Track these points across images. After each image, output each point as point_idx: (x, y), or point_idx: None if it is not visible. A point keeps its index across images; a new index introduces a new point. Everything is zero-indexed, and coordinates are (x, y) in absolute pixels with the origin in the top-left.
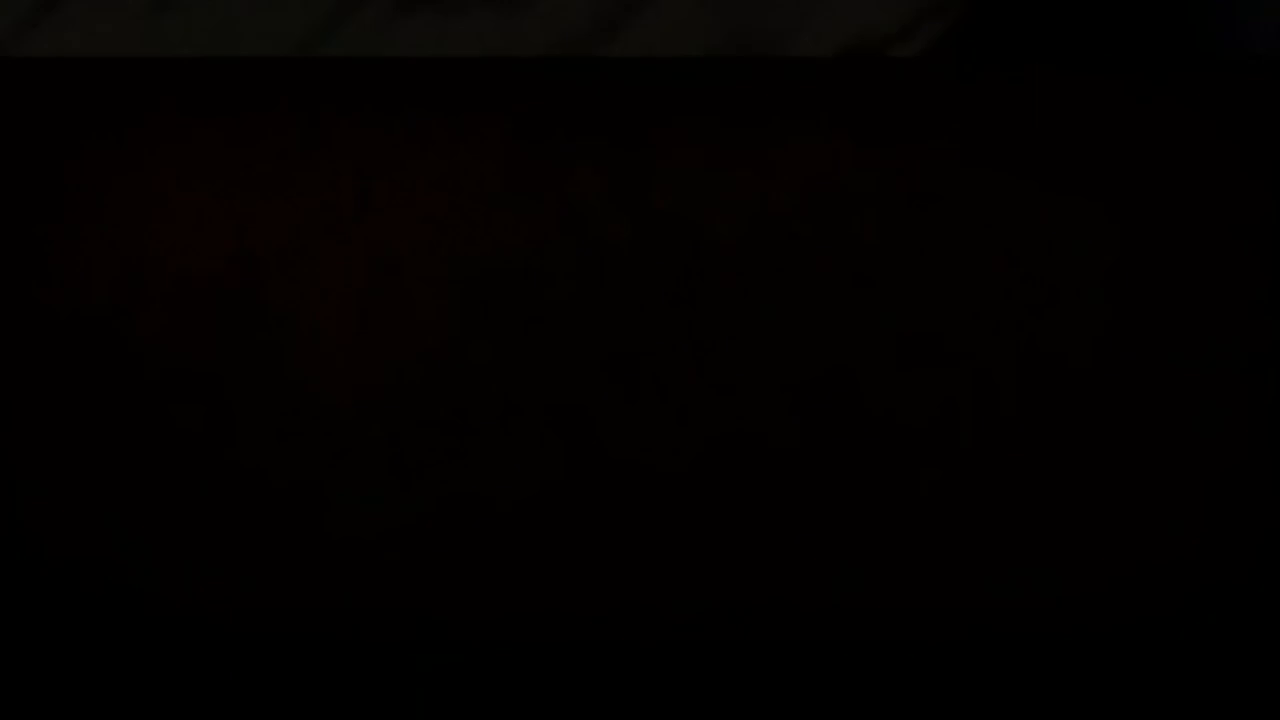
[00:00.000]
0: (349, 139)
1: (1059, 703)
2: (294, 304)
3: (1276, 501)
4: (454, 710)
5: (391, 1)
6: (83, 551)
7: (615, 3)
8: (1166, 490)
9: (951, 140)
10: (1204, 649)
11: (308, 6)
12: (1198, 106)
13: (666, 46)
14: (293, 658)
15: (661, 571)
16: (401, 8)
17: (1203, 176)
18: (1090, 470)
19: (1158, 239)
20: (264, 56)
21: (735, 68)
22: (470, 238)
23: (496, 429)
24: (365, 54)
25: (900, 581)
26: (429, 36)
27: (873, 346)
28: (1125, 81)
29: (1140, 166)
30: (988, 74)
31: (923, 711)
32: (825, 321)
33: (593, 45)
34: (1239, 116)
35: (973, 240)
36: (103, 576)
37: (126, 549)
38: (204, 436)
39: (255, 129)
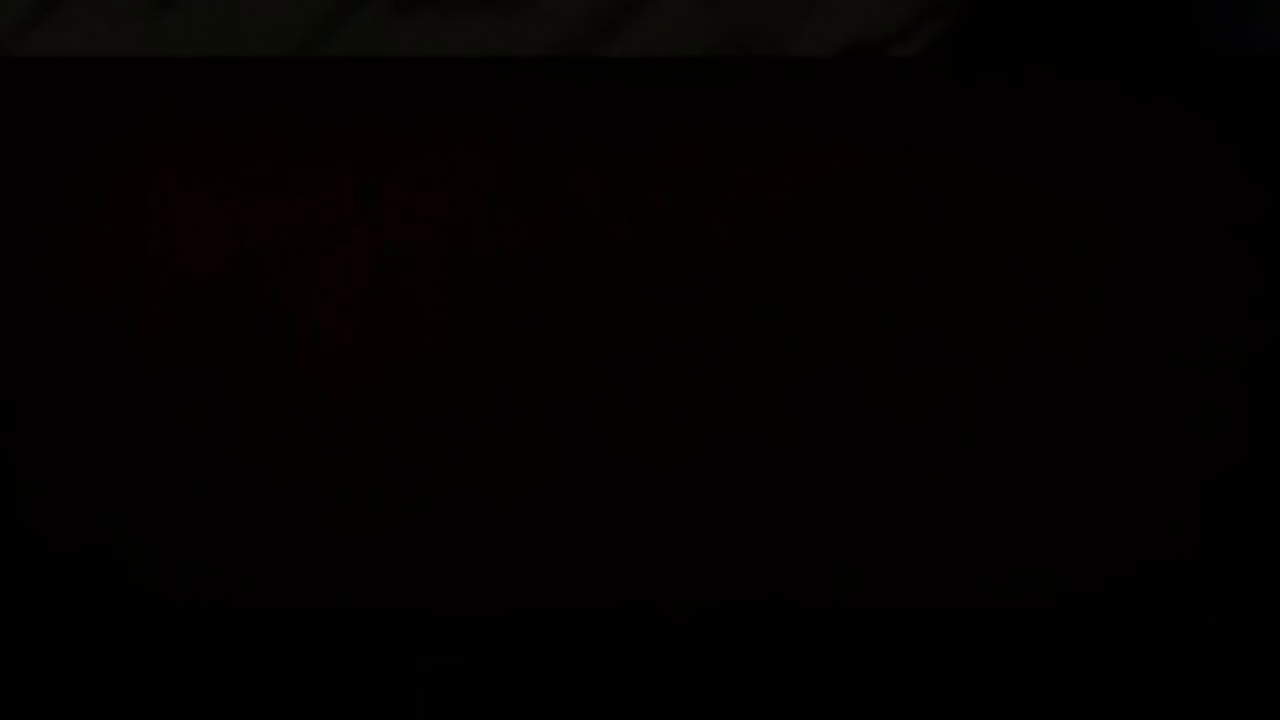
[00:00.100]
0: (349, 139)
1: (1059, 703)
2: (294, 304)
3: (1276, 501)
4: (454, 710)
5: (391, 1)
6: (83, 551)
7: (615, 3)
8: (1166, 490)
9: (951, 140)
10: (1204, 649)
11: (307, 6)
12: (1198, 106)
13: (666, 46)
14: (293, 658)
15: (661, 571)
16: (401, 8)
17: (1203, 176)
18: (1090, 470)
19: (1158, 239)
20: (264, 56)
21: (735, 68)
22: (470, 238)
23: (496, 429)
24: (365, 54)
25: (900, 581)
26: (429, 36)
27: (873, 346)
28: (1125, 81)
29: (1140, 166)
30: (988, 74)
31: (923, 711)
32: (825, 321)
33: (593, 45)
34: (1239, 116)
35: (973, 240)
36: (103, 576)
37: (126, 549)
38: (204, 436)
39: (255, 129)
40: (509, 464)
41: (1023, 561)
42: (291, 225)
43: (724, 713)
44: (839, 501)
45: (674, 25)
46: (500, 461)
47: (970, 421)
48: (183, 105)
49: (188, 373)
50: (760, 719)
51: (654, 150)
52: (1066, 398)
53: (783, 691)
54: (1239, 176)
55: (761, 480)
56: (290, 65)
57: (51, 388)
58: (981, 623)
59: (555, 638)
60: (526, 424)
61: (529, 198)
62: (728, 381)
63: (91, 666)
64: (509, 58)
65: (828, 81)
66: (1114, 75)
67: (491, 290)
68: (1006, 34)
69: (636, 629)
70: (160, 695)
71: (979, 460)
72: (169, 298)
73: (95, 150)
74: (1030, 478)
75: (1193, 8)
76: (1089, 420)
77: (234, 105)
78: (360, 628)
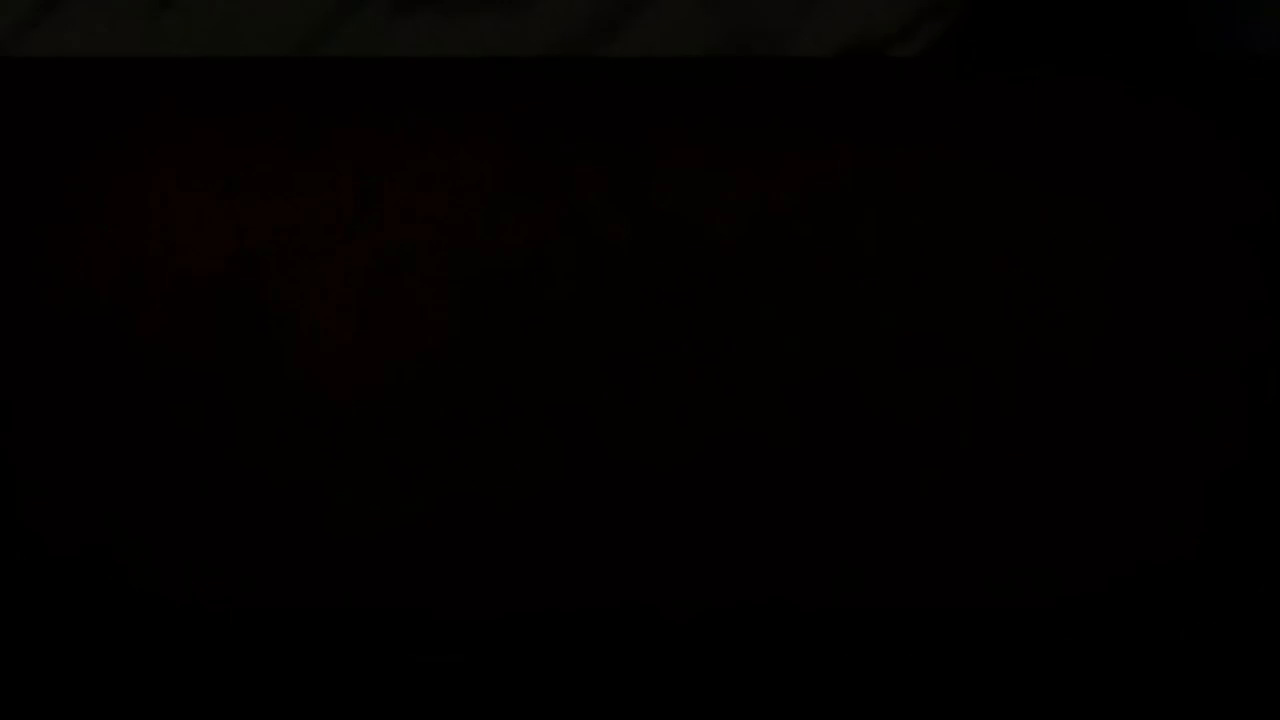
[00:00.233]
0: (349, 139)
1: (1059, 703)
2: (294, 304)
3: (1277, 501)
4: (454, 710)
5: (391, 1)
6: (82, 551)
7: (615, 3)
8: (1166, 490)
9: (951, 140)
10: (1204, 649)
11: (307, 6)
12: (1198, 106)
13: (666, 46)
14: (292, 658)
15: (661, 571)
16: (401, 8)
17: (1203, 176)
18: (1090, 470)
19: (1158, 239)
20: (264, 56)
21: (735, 67)
22: (470, 238)
23: (496, 429)
24: (365, 54)
25: (900, 581)
26: (429, 36)
27: (873, 346)
28: (1125, 81)
29: (1140, 166)
30: (988, 74)
31: (923, 711)
32: (825, 321)
33: (593, 45)
34: (1239, 116)
35: (972, 240)
36: (102, 576)
37: (126, 549)
38: (203, 436)
39: (255, 129)
40: (509, 464)
41: (1023, 561)
42: (291, 225)
43: (724, 713)
44: (839, 502)
45: (674, 25)
46: (500, 461)
47: (970, 421)
48: (183, 105)
49: (187, 372)
50: (760, 719)
51: (654, 150)
52: (1067, 398)
53: (783, 692)
54: (1239, 176)
55: (761, 480)
56: (290, 65)
57: (51, 387)
58: (981, 623)
59: (555, 638)
60: (526, 424)
61: (529, 198)
62: (728, 381)
63: (91, 666)
64: (509, 57)
65: (828, 81)
66: (1114, 75)
67: (491, 290)
68: (1006, 34)
69: (636, 629)
70: (160, 695)
71: (979, 460)
72: (169, 297)
73: (95, 150)
74: (1030, 478)
75: (1193, 7)
76: (1089, 420)
77: (234, 105)
78: (360, 627)
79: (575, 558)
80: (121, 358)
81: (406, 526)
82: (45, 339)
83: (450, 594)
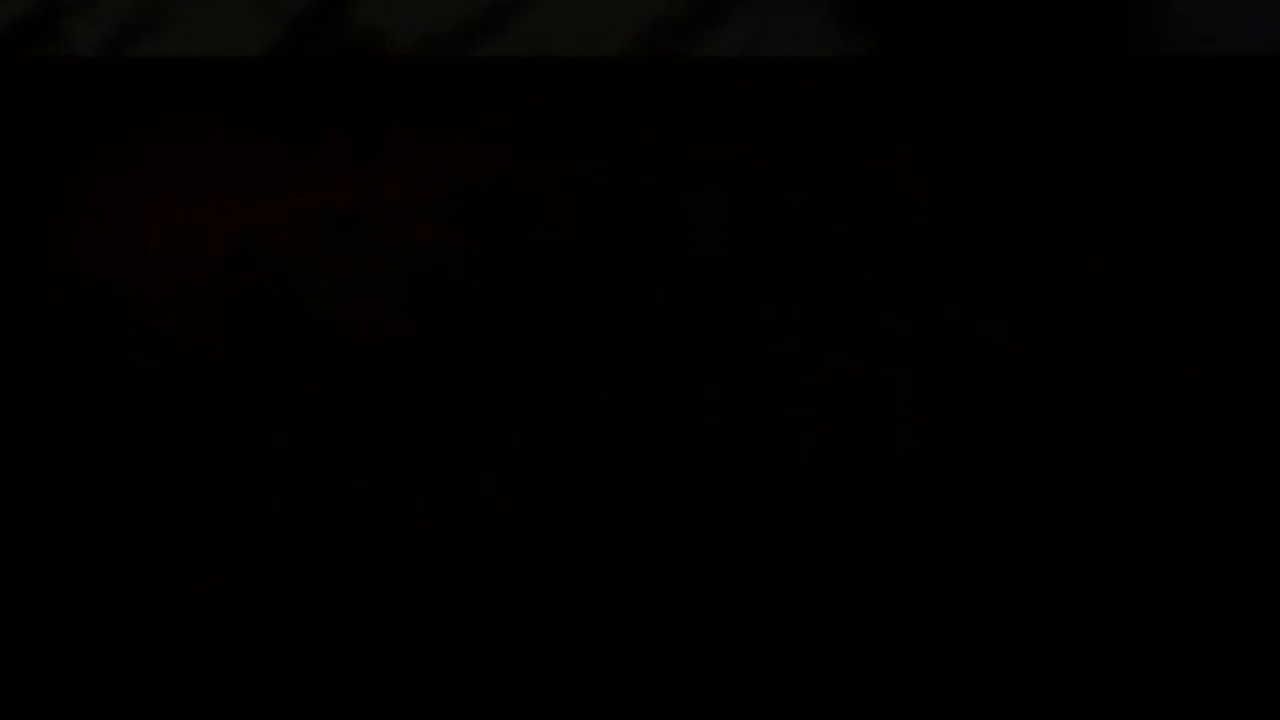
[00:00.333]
0: (348, 139)
1: (1059, 703)
2: (294, 304)
3: (1277, 501)
4: (452, 710)
5: None
6: (80, 552)
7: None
8: (1166, 490)
9: (950, 141)
10: (1204, 649)
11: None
12: (1198, 106)
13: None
14: (291, 658)
15: (660, 572)
16: None
17: (1202, 176)
18: (1090, 470)
19: (1157, 239)
20: (264, 56)
21: (733, 68)
22: (470, 238)
23: (496, 429)
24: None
25: (900, 582)
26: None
27: (872, 346)
28: (1125, 82)
29: (1139, 166)
30: (986, 74)
31: (923, 711)
32: (823, 322)
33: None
34: (1239, 116)
35: (971, 240)
36: (100, 576)
37: (124, 549)
38: (202, 436)
39: (255, 129)
40: (507, 464)
41: (1022, 561)
42: (291, 225)
43: (723, 713)
44: (839, 502)
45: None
46: (499, 462)
47: (970, 422)
48: (183, 105)
49: (187, 372)
50: (759, 719)
51: (653, 150)
52: (1066, 398)
53: (782, 692)
54: (1239, 176)
55: (761, 480)
56: (290, 65)
57: (51, 387)
58: (981, 622)
59: (553, 638)
60: (525, 424)
61: (529, 197)
62: (726, 382)
63: (89, 666)
64: (508, 57)
65: (824, 81)
66: (1113, 76)
67: (491, 290)
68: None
69: (634, 630)
70: (159, 695)
71: (978, 460)
72: (168, 297)
73: (95, 150)
74: (1030, 478)
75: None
76: (1089, 420)
77: (234, 105)
78: (358, 628)
79: (573, 558)
80: (120, 357)
81: (404, 526)
82: (45, 338)
83: (448, 594)
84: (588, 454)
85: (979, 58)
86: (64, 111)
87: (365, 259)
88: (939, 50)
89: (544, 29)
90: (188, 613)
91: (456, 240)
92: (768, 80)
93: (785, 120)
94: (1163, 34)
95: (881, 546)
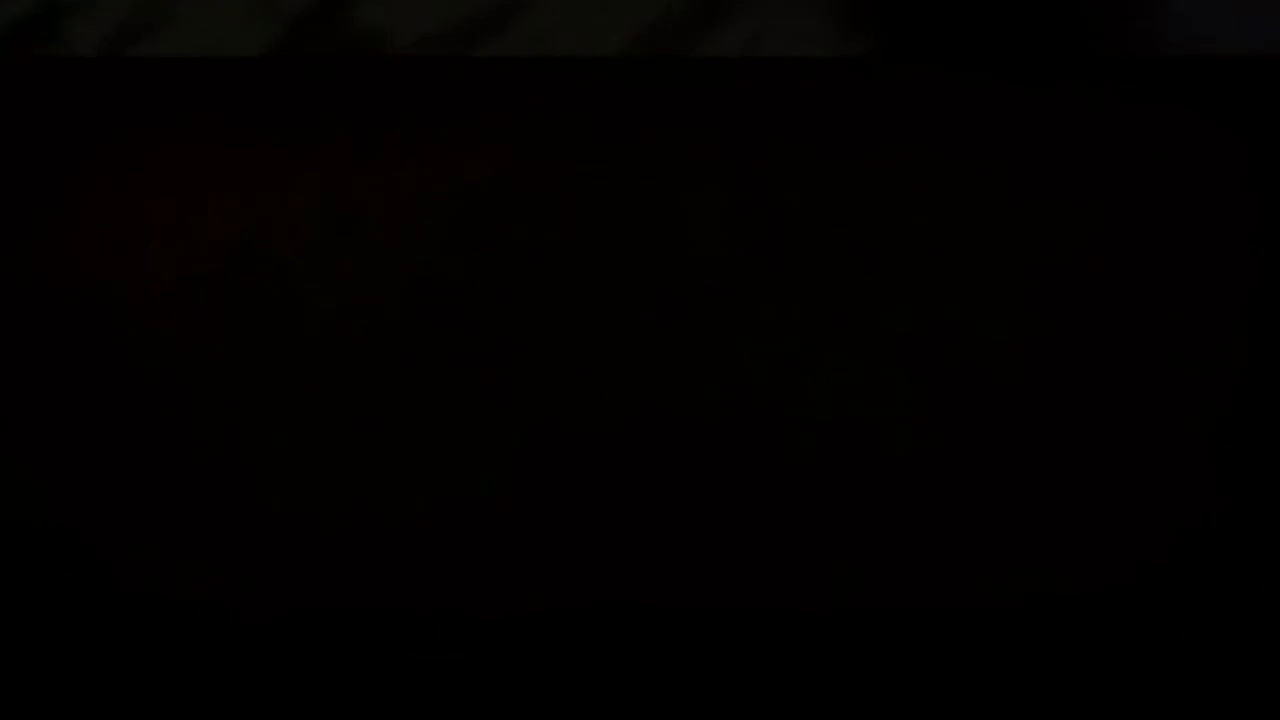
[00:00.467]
0: (348, 139)
1: (1059, 703)
2: (294, 304)
3: (1277, 501)
4: (452, 710)
5: None
6: (80, 552)
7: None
8: (1166, 490)
9: (950, 141)
10: (1204, 649)
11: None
12: (1198, 106)
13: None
14: (291, 658)
15: (660, 572)
16: None
17: (1203, 176)
18: (1090, 470)
19: (1157, 239)
20: (264, 56)
21: (733, 68)
22: (470, 237)
23: (496, 429)
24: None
25: (900, 582)
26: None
27: (872, 346)
28: (1125, 82)
29: (1140, 166)
30: (986, 74)
31: (923, 712)
32: (823, 322)
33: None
34: (1239, 116)
35: (971, 240)
36: (100, 576)
37: (124, 549)
38: (203, 436)
39: (255, 129)
40: (507, 464)
41: (1022, 561)
42: (291, 225)
43: (723, 713)
44: (839, 502)
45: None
46: (497, 462)
47: (969, 422)
48: (183, 105)
49: (186, 372)
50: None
51: (652, 150)
52: (1066, 398)
53: (782, 692)
54: (1239, 176)
55: (760, 480)
56: (289, 65)
57: (49, 387)
58: (981, 623)
59: (552, 638)
60: (523, 425)
61: (529, 197)
62: (725, 382)
63: (88, 666)
64: (507, 57)
65: (822, 81)
66: (1113, 76)
67: (492, 291)
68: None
69: (634, 630)
70: (157, 695)
71: (978, 460)
72: (168, 297)
73: (96, 150)
74: (1030, 478)
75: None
76: (1088, 420)
77: (233, 105)
78: (358, 628)
79: (573, 558)
80: (120, 357)
81: (404, 526)
82: (43, 338)
83: (448, 594)
84: (587, 454)
85: (979, 58)
86: (64, 111)
87: (365, 259)
88: (939, 50)
89: (544, 29)
90: (188, 613)
91: (456, 240)
92: (768, 80)
93: (785, 120)
94: (1163, 34)
95: (881, 546)
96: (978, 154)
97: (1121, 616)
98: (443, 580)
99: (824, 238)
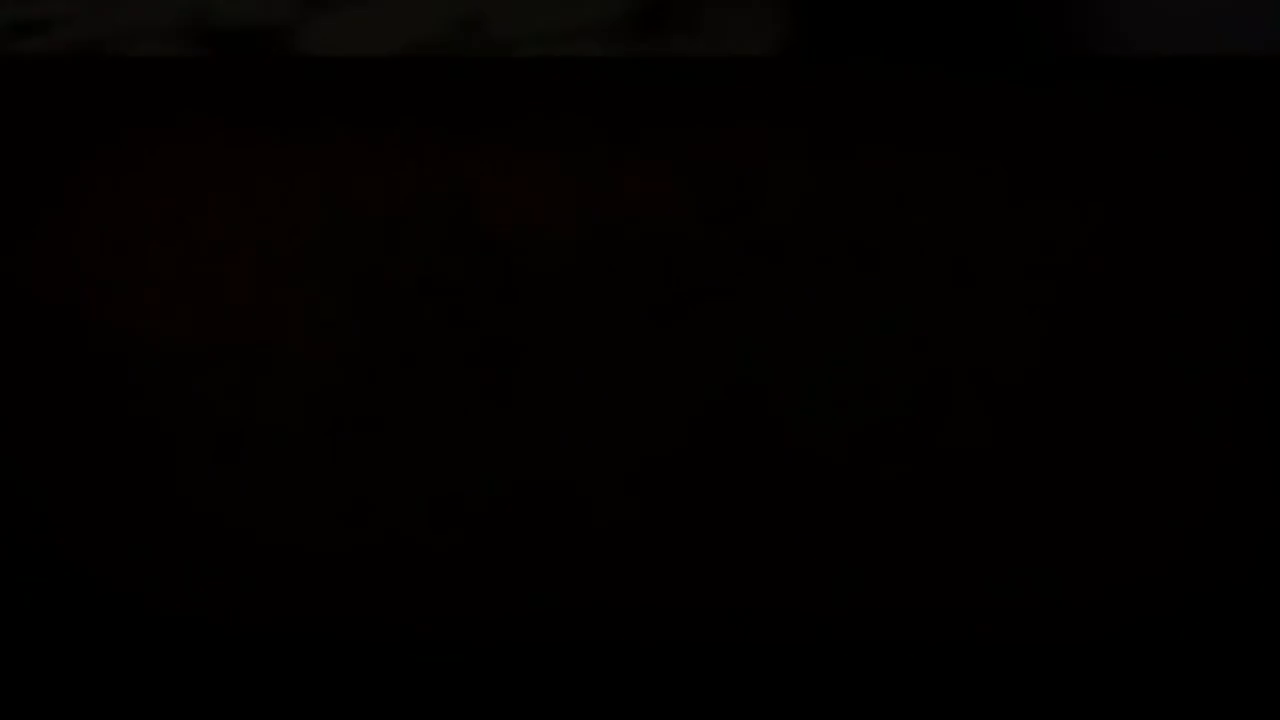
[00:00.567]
0: (348, 139)
1: (1059, 703)
2: (293, 304)
3: (1277, 501)
4: (452, 711)
5: None
6: (80, 552)
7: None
8: (1166, 492)
9: (949, 141)
10: (1204, 650)
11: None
12: (1197, 106)
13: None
14: (290, 658)
15: (660, 572)
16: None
17: (1202, 176)
18: (1089, 471)
19: (1157, 239)
20: (264, 56)
21: (731, 68)
22: (469, 237)
23: (493, 430)
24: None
25: (900, 582)
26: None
27: (872, 346)
28: (1125, 82)
29: (1139, 166)
30: (980, 74)
31: (923, 712)
32: (823, 321)
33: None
34: (1239, 116)
35: (970, 241)
36: (100, 576)
37: (122, 550)
38: (202, 436)
39: (255, 129)
40: (504, 465)
41: (1022, 564)
42: (290, 225)
43: (723, 713)
44: (839, 502)
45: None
46: (496, 463)
47: (968, 423)
48: (183, 105)
49: (185, 372)
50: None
51: (651, 150)
52: (1065, 398)
53: (782, 692)
54: (1239, 176)
55: (759, 481)
56: (289, 65)
57: (47, 388)
58: (981, 624)
59: (552, 638)
60: (520, 424)
61: (528, 197)
62: (726, 381)
63: (87, 666)
64: (506, 57)
65: (818, 81)
66: (1113, 76)
67: (491, 291)
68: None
69: (634, 630)
70: (157, 695)
71: (977, 461)
72: (167, 297)
73: (95, 150)
74: (1029, 479)
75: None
76: (1088, 421)
77: (233, 105)
78: (358, 628)
79: (573, 558)
80: (117, 357)
81: (404, 526)
82: (41, 339)
83: (448, 594)
84: (587, 454)
85: (979, 58)
86: (64, 111)
87: (364, 259)
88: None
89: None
90: (186, 613)
91: (456, 240)
92: (765, 80)
93: (784, 120)
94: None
95: (882, 547)
96: (977, 154)
97: (1121, 617)
98: (442, 580)
99: (823, 238)
